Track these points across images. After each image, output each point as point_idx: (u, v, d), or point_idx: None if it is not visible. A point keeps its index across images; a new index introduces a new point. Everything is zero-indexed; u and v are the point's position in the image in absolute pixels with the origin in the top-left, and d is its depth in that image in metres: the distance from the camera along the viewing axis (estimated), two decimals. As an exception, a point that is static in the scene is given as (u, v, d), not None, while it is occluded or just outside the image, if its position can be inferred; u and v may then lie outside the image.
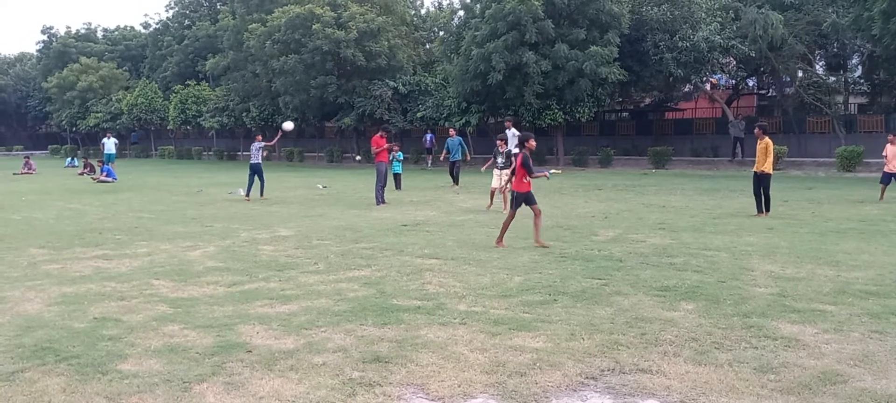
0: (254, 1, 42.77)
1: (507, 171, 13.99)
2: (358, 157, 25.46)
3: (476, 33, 30.85)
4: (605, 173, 29.21)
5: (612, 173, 28.87)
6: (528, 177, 10.53)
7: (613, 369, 5.21)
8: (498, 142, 15.60)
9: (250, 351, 5.67)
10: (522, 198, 10.56)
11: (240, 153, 52.44)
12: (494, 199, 15.85)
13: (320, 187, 22.38)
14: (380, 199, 17.17)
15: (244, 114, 46.27)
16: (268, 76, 41.13)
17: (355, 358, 5.47)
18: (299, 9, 37.08)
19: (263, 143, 19.57)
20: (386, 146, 17.77)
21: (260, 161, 19.23)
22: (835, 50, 36.25)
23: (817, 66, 36.69)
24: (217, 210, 16.58)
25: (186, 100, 50.64)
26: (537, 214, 10.64)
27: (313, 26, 36.13)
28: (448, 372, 5.16)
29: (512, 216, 10.76)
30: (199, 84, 51.74)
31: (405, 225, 13.10)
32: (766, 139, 14.19)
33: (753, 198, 14.15)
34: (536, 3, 28.85)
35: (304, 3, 37.77)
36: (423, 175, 29.97)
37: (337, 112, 39.98)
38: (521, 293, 7.51)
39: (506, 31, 29.43)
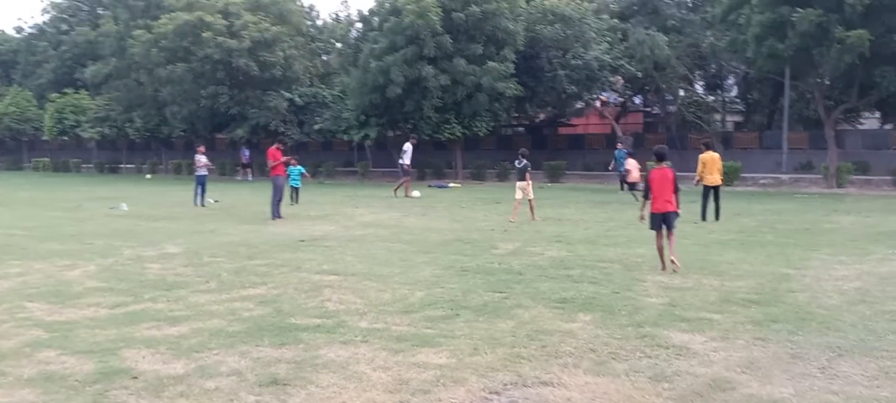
0: (138, 6, 40.84)
1: (524, 183, 15.94)
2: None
3: (374, 46, 30.78)
4: (503, 187, 29.70)
5: (510, 187, 29.35)
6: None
7: (516, 382, 5.23)
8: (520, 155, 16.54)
9: (136, 378, 5.32)
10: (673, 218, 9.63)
11: (122, 165, 49.89)
12: (518, 212, 16.19)
13: (212, 201, 21.55)
14: (276, 214, 16.71)
15: (127, 124, 44.02)
16: (154, 85, 39.36)
17: (251, 382, 5.22)
18: (188, 16, 35.73)
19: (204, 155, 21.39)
20: (282, 159, 17.37)
21: (205, 172, 21.21)
22: (713, 71, 38.65)
23: (697, 86, 38.96)
24: (98, 226, 15.60)
25: (64, 110, 47.64)
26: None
27: (203, 34, 34.91)
28: (350, 393, 5.01)
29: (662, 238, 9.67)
30: (77, 92, 48.80)
31: (303, 241, 12.78)
32: (705, 153, 15.73)
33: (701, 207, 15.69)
34: (435, 18, 29.09)
35: (193, 10, 36.44)
36: (305, 188, 29.48)
37: (229, 123, 38.74)
38: (424, 308, 7.45)
39: (404, 45, 29.51)
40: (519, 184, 16.20)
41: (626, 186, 25.24)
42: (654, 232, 9.76)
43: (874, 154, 31.10)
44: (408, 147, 24.11)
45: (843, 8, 22.56)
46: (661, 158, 9.90)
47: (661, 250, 9.64)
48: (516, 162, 16.65)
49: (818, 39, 23.43)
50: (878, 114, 35.80)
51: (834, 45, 23.01)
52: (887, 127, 34.62)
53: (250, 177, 37.13)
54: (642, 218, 10.03)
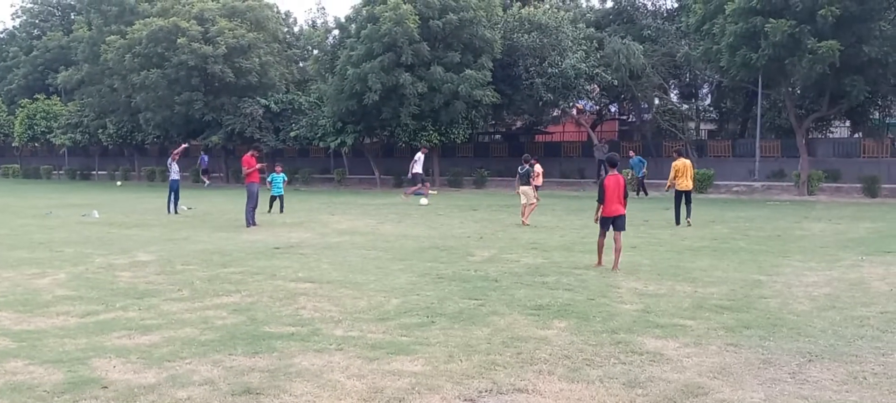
0: (112, 12, 40.41)
1: (528, 188, 16.89)
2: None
3: (352, 53, 30.70)
4: (480, 194, 29.78)
5: (486, 194, 29.50)
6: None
7: (491, 390, 5.22)
8: (523, 162, 17.49)
9: (106, 387, 5.23)
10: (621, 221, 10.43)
11: (95, 172, 49.22)
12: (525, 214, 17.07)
13: (186, 208, 21.32)
14: (250, 221, 16.57)
15: (100, 130, 43.50)
16: (127, 91, 38.94)
17: (224, 391, 5.16)
18: (163, 22, 35.40)
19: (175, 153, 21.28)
20: (257, 166, 17.22)
21: (178, 177, 20.81)
22: (687, 80, 39.12)
23: (672, 95, 39.40)
24: (68, 234, 15.36)
25: (35, 116, 46.97)
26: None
27: (178, 40, 34.60)
28: (324, 402, 4.97)
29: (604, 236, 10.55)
30: (49, 98, 48.13)
31: (278, 248, 12.69)
32: (678, 160, 16.44)
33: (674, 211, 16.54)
34: (412, 25, 29.11)
35: (168, 15, 36.12)
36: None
37: (204, 129, 38.41)
38: (399, 315, 7.42)
39: (382, 53, 29.48)
40: (523, 189, 17.00)
41: (643, 192, 26.39)
42: (600, 231, 10.59)
43: (844, 162, 31.65)
44: (419, 156, 24.98)
45: (815, 19, 22.96)
46: (612, 165, 10.73)
47: (601, 248, 10.53)
48: (520, 168, 17.42)
49: (790, 49, 23.79)
50: (847, 123, 36.46)
51: (806, 56, 23.39)
52: (857, 135, 35.25)
53: (206, 183, 37.15)
54: (597, 220, 10.69)
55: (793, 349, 6.19)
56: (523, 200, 17.01)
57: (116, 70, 38.16)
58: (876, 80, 25.62)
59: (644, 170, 27.52)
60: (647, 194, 26.47)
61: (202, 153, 38.58)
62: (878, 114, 33.92)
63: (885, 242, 13.32)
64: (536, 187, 23.06)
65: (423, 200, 23.78)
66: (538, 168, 23.44)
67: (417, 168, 24.60)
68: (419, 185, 24.42)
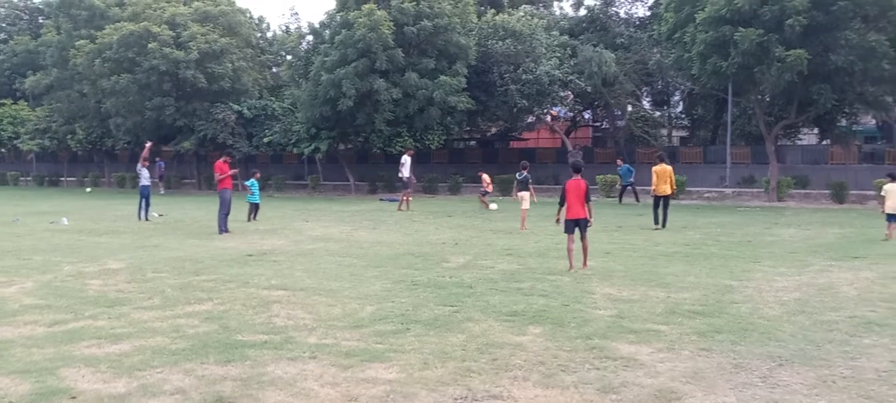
0: (82, 16, 39.77)
1: (526, 193, 17.52)
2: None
3: (325, 59, 30.55)
4: (455, 200, 29.80)
5: (461, 200, 29.52)
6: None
7: (466, 397, 5.22)
8: (522, 168, 18.10)
9: (75, 397, 5.15)
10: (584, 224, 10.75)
11: (63, 178, 48.39)
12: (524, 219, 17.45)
13: (156, 215, 21.04)
14: (223, 228, 16.39)
15: (69, 136, 42.76)
16: (97, 96, 38.34)
17: (195, 400, 5.10)
18: (133, 26, 34.92)
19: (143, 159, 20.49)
20: (230, 172, 17.06)
21: (148, 183, 20.49)
22: (659, 87, 39.56)
23: (644, 102, 39.84)
24: (36, 241, 15.08)
25: (1, 121, 46.03)
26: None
27: (149, 45, 34.15)
28: (297, 410, 4.93)
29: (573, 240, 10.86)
30: (16, 103, 47.22)
31: (250, 255, 12.57)
32: (658, 166, 17.09)
33: (652, 213, 17.15)
34: (386, 31, 29.06)
35: (139, 20, 35.66)
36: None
37: (175, 135, 37.93)
38: (374, 323, 7.39)
39: (356, 58, 29.38)
40: (522, 194, 17.58)
41: (634, 198, 26.56)
42: (567, 236, 10.88)
43: (812, 168, 32.21)
44: (406, 159, 24.46)
45: (783, 28, 23.34)
46: (576, 170, 11.10)
47: (570, 252, 10.84)
48: (517, 174, 18.13)
49: (759, 58, 24.16)
50: (816, 131, 37.10)
51: (774, 64, 23.76)
52: (824, 143, 35.90)
53: (162, 190, 36.87)
54: (557, 221, 11.25)
55: (763, 353, 6.27)
56: (524, 205, 17.42)
57: (86, 75, 37.56)
58: (843, 88, 26.09)
59: (631, 178, 27.48)
60: (638, 201, 26.35)
61: (158, 159, 38.26)
62: (845, 121, 34.51)
63: (853, 247, 13.57)
64: (485, 193, 23.35)
65: (403, 206, 23.43)
66: (486, 177, 23.71)
67: (405, 171, 24.22)
68: (405, 192, 24.14)
